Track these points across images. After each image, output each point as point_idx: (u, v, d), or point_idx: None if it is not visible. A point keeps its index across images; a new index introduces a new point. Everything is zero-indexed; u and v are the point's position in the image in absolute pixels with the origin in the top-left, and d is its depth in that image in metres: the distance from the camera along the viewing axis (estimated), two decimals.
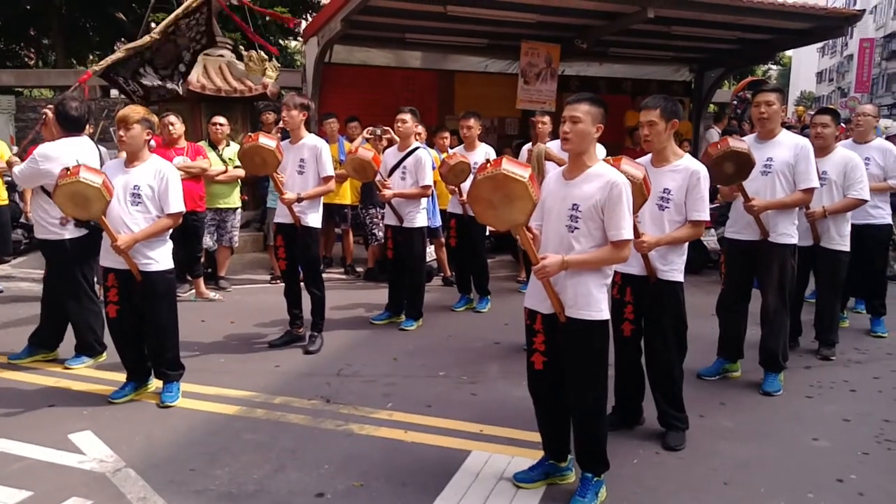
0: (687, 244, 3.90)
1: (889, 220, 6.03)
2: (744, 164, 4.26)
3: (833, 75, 54.75)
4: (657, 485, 3.46)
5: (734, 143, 4.26)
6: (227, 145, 7.42)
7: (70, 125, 4.86)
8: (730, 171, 4.30)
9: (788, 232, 4.61)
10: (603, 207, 3.08)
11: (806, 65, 60.84)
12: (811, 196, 4.63)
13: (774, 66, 38.27)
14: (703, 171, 3.80)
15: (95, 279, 5.15)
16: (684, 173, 3.79)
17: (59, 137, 4.84)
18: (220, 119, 7.46)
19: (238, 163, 7.19)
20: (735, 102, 13.48)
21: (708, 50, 11.71)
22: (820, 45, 52.07)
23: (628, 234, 3.10)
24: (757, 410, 4.44)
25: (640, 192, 3.46)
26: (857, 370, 5.21)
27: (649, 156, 3.96)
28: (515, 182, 2.92)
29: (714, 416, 4.28)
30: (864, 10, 10.65)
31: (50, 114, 4.88)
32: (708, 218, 3.87)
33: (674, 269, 3.84)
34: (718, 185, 4.71)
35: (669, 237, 3.79)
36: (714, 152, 4.27)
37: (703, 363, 5.01)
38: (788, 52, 38.04)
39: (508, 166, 2.94)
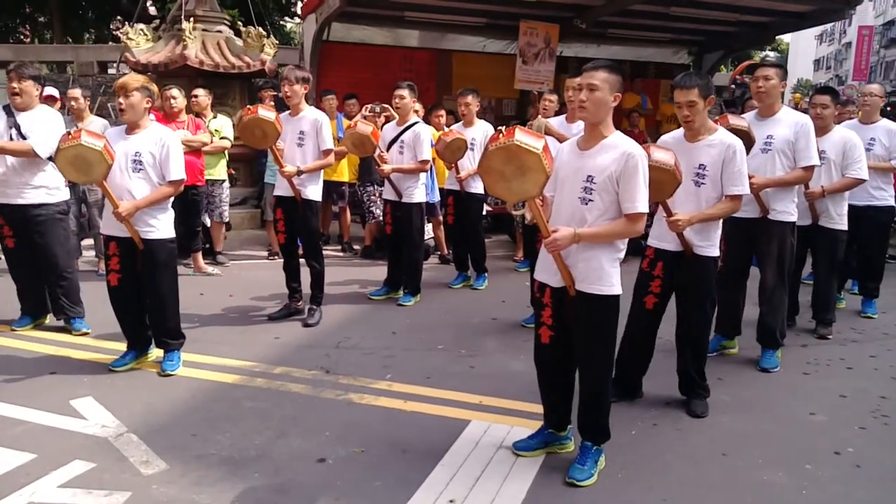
0: (722, 220, 3.90)
1: (892, 202, 6.03)
2: (743, 141, 4.24)
3: (831, 63, 54.69)
4: (655, 454, 3.49)
5: (733, 120, 4.24)
6: (214, 117, 7.35)
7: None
8: None
9: (788, 210, 4.60)
10: (618, 179, 3.02)
11: (804, 52, 60.67)
12: (811, 174, 4.63)
13: (772, 53, 38.16)
14: (738, 145, 3.77)
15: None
16: (720, 147, 3.75)
17: (38, 104, 4.90)
18: (198, 91, 7.35)
19: (224, 134, 7.17)
20: (733, 87, 13.49)
21: (707, 32, 11.64)
22: (818, 31, 52.03)
23: (643, 206, 3.03)
24: (754, 386, 4.47)
25: (674, 178, 3.44)
26: (854, 349, 5.25)
27: (682, 130, 3.93)
28: (529, 153, 2.84)
29: (712, 391, 4.27)
30: None
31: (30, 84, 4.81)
32: (747, 191, 3.83)
33: (710, 244, 3.83)
34: None
35: (704, 214, 3.75)
36: None
37: None
38: (786, 38, 38.04)
39: (522, 137, 2.85)
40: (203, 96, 7.35)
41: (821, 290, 5.53)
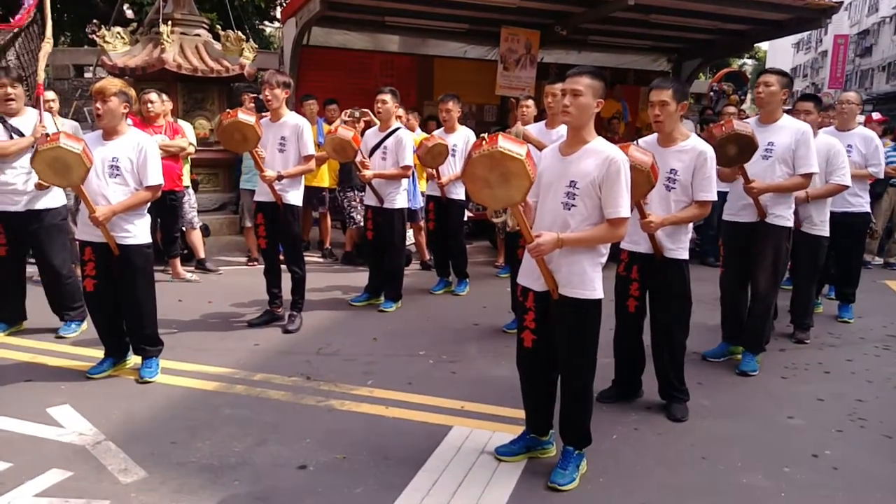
0: (691, 224, 3.95)
1: (867, 209, 6.13)
2: (746, 146, 4.27)
3: (807, 71, 55.39)
4: (636, 459, 3.51)
5: (738, 125, 4.28)
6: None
7: None
8: (732, 154, 4.31)
9: (785, 215, 4.63)
10: (601, 184, 3.04)
11: (781, 60, 61.12)
12: (810, 181, 4.66)
13: (749, 61, 38.60)
14: (709, 152, 3.84)
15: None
16: (691, 153, 3.82)
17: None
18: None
19: (191, 140, 7.03)
20: (712, 94, 13.64)
21: (686, 40, 11.79)
22: (795, 40, 52.73)
23: (626, 212, 3.06)
24: (734, 390, 4.50)
25: (648, 179, 3.48)
26: (831, 353, 5.31)
27: (655, 135, 3.98)
28: (513, 160, 2.84)
29: (692, 395, 4.29)
30: (841, 3, 10.78)
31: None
32: (715, 198, 3.89)
33: (680, 247, 3.90)
34: (720, 167, 4.72)
35: (675, 217, 3.83)
36: (718, 134, 4.28)
37: (703, 346, 5.06)
38: (764, 46, 38.38)
39: (505, 143, 2.86)
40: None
41: (800, 296, 5.58)
